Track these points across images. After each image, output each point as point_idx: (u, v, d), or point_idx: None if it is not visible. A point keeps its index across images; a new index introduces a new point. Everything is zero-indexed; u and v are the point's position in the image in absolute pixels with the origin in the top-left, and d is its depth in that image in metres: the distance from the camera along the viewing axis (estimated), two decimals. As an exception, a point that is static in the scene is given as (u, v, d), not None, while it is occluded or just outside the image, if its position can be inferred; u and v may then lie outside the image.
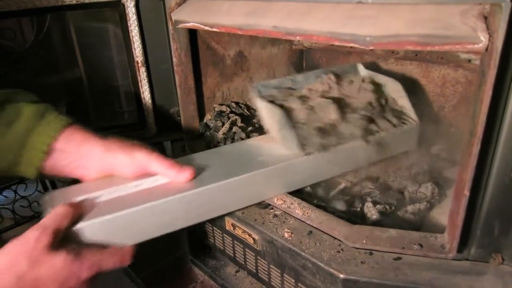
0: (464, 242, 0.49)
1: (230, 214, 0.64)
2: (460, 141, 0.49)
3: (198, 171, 0.60)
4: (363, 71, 0.82)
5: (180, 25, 0.75)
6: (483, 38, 0.39)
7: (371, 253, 0.53)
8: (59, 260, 0.46)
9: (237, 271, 0.74)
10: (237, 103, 0.97)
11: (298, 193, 0.66)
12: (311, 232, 0.58)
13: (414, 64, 0.88)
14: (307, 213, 0.60)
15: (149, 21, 0.82)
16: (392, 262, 0.51)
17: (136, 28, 0.80)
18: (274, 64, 1.04)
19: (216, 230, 0.70)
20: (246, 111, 0.95)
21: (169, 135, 0.91)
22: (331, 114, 0.68)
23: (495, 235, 0.48)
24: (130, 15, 0.79)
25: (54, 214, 0.49)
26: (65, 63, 0.93)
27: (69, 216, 0.50)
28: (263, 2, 0.61)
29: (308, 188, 0.68)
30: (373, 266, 0.51)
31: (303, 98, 0.72)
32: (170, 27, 0.78)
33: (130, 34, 0.81)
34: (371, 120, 0.69)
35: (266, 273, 0.63)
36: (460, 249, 0.49)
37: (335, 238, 0.56)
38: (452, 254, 0.49)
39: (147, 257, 0.83)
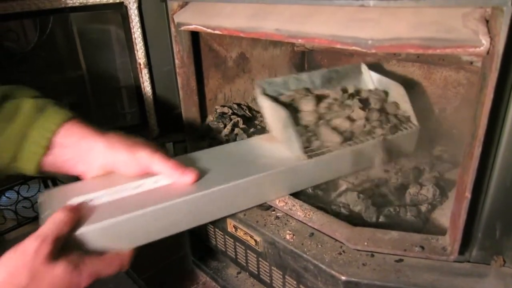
0: (465, 244, 0.49)
1: (232, 216, 0.64)
2: (462, 143, 0.49)
3: (201, 172, 0.59)
4: (366, 71, 0.82)
5: (183, 28, 0.75)
6: (485, 41, 0.40)
7: (372, 255, 0.53)
8: (59, 271, 0.45)
9: (238, 273, 0.74)
10: (239, 105, 0.97)
11: (299, 195, 0.66)
12: (312, 234, 0.58)
13: (416, 66, 0.88)
14: (308, 215, 0.60)
15: (151, 23, 0.82)
16: (393, 264, 0.51)
17: (139, 30, 0.81)
18: (276, 66, 1.04)
19: (218, 232, 0.70)
20: (248, 113, 0.95)
21: (171, 136, 0.91)
22: (337, 119, 0.69)
23: (497, 237, 0.48)
24: (133, 17, 0.80)
25: (54, 221, 0.47)
26: (68, 64, 0.93)
27: (69, 223, 0.48)
28: (265, 4, 0.61)
29: (310, 189, 0.68)
30: (374, 268, 0.51)
31: (316, 100, 0.72)
32: (173, 29, 0.78)
33: (133, 36, 0.81)
34: (374, 126, 0.70)
35: (268, 275, 0.63)
36: (461, 251, 0.49)
37: (336, 240, 0.56)
38: (453, 256, 0.49)
39: (149, 259, 0.83)
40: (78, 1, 0.76)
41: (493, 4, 0.39)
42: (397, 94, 0.76)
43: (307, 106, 0.71)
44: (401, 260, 0.52)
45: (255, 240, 0.62)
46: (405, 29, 0.44)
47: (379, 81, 0.81)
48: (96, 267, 0.49)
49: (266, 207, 0.64)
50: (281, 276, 0.60)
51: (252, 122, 0.92)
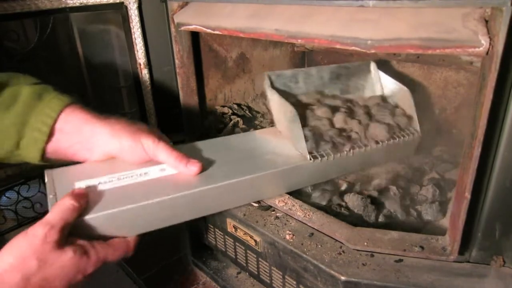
0: (465, 244, 0.49)
1: (231, 216, 0.64)
2: (462, 143, 0.49)
3: (205, 164, 0.60)
4: (375, 71, 0.82)
5: (182, 28, 0.75)
6: (484, 41, 0.40)
7: (372, 255, 0.53)
8: (67, 258, 0.46)
9: (238, 273, 0.74)
10: (239, 105, 0.97)
11: (298, 194, 0.66)
12: (312, 234, 0.58)
13: (416, 66, 0.88)
14: (308, 215, 0.60)
15: (151, 23, 0.82)
16: (393, 264, 0.51)
17: (139, 30, 0.81)
18: (276, 66, 1.04)
19: (217, 232, 0.70)
20: (248, 113, 0.95)
21: (171, 136, 0.90)
22: (344, 122, 0.70)
23: (496, 238, 0.48)
24: (133, 17, 0.80)
25: (61, 208, 0.47)
26: (68, 64, 0.93)
27: (77, 209, 0.48)
28: (265, 5, 0.61)
29: (309, 188, 0.68)
30: (374, 268, 0.51)
31: (327, 108, 0.73)
32: (173, 29, 0.78)
33: (133, 36, 0.81)
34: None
35: (268, 275, 0.63)
36: (461, 252, 0.49)
37: (336, 240, 0.56)
38: (453, 257, 0.49)
39: (149, 259, 0.83)
40: (78, 1, 0.77)
41: (493, 4, 0.39)
42: (403, 98, 0.76)
43: (318, 111, 0.71)
44: (400, 260, 0.52)
45: (255, 240, 0.62)
46: (404, 29, 0.44)
47: (386, 82, 0.80)
48: (103, 252, 0.49)
49: (266, 207, 0.64)
50: (281, 276, 0.60)
51: (252, 122, 0.92)
